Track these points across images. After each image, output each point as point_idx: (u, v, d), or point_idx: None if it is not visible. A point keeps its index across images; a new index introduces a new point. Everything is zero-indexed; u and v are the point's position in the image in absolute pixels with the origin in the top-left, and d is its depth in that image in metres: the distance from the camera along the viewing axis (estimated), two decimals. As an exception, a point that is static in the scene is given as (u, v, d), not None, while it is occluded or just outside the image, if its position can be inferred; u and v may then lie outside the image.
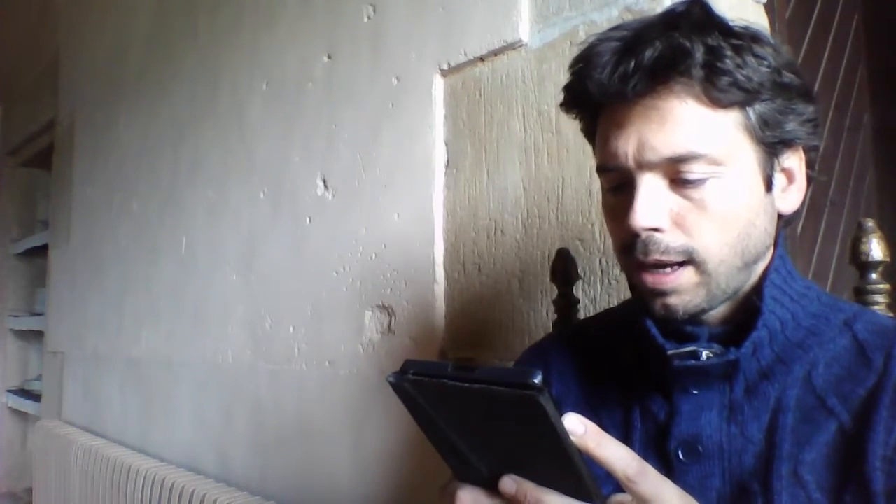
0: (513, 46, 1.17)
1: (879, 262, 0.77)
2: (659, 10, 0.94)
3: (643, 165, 0.58)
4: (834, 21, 1.78)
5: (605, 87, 0.58)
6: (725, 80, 0.55)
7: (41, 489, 2.66)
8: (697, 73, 0.55)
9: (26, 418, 3.66)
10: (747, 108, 0.57)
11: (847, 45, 1.87)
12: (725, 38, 0.56)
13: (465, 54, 1.25)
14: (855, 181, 1.83)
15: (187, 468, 1.95)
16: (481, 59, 1.23)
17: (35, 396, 3.43)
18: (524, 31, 1.16)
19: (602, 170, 0.63)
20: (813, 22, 1.61)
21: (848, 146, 1.80)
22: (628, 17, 0.99)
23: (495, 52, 1.20)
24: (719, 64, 0.55)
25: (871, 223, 0.79)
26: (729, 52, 0.55)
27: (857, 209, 1.80)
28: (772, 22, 1.12)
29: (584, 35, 1.05)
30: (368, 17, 1.48)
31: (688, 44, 0.55)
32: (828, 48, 1.72)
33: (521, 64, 1.16)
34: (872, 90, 2.01)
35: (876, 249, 0.77)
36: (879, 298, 0.77)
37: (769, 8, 1.10)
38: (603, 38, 0.60)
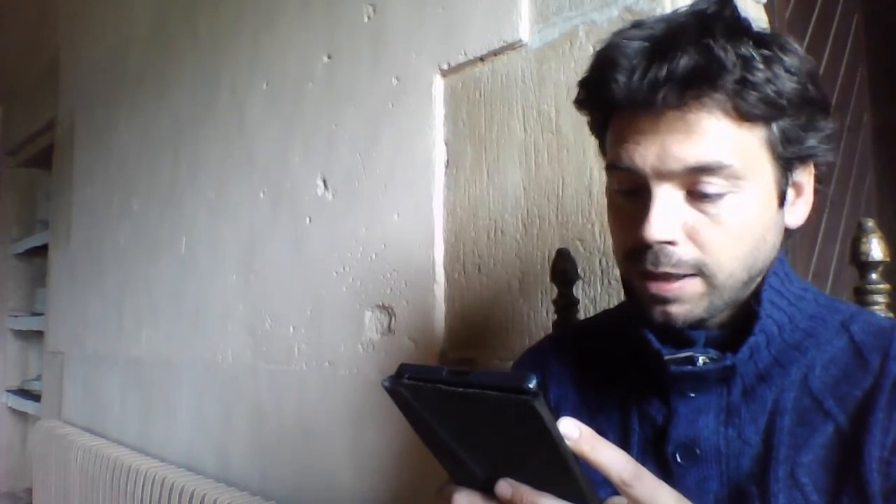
0: (513, 46, 1.17)
1: (879, 262, 0.77)
2: (659, 10, 0.94)
3: (662, 175, 0.56)
4: (834, 21, 1.78)
5: (633, 94, 0.55)
6: (755, 95, 0.54)
7: (41, 489, 2.66)
8: (730, 86, 0.54)
9: (26, 418, 3.66)
10: (772, 123, 0.56)
11: (847, 45, 1.87)
12: (756, 47, 0.54)
13: (465, 54, 1.25)
14: (855, 181, 1.83)
15: (187, 468, 1.95)
16: (481, 59, 1.23)
17: (35, 396, 3.43)
18: (524, 31, 1.15)
19: (614, 167, 0.60)
20: (813, 22, 1.61)
21: (848, 146, 1.80)
22: (628, 17, 0.99)
23: (495, 52, 1.20)
24: (751, 78, 0.53)
25: (871, 223, 0.78)
26: (760, 65, 0.54)
27: (857, 209, 1.80)
28: (772, 22, 1.11)
29: (583, 35, 1.05)
30: (368, 17, 1.48)
31: (723, 55, 0.53)
32: (828, 48, 1.72)
33: (521, 64, 1.16)
34: (872, 90, 2.01)
35: (876, 249, 0.77)
36: (879, 298, 0.77)
37: (769, 8, 1.10)
38: (627, 37, 0.57)
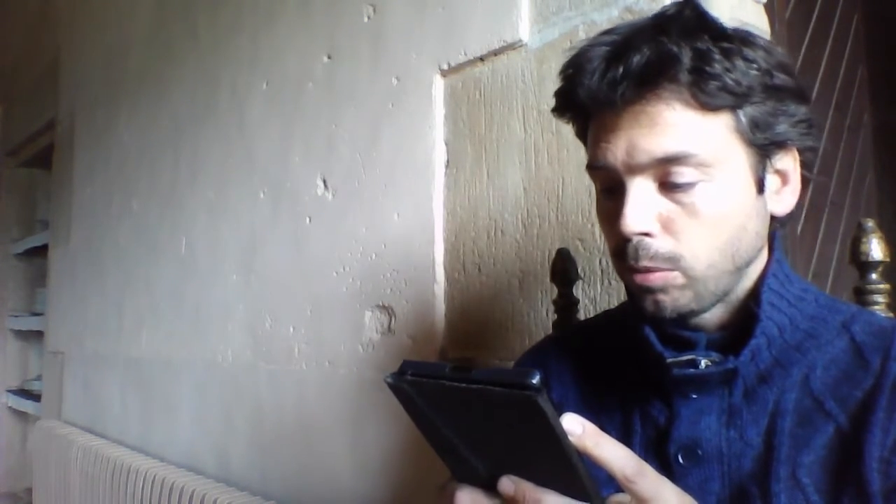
0: (513, 46, 1.17)
1: (879, 262, 0.77)
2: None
3: (633, 169, 0.58)
4: (834, 21, 1.78)
5: (595, 94, 0.58)
6: (714, 84, 0.55)
7: (41, 489, 2.65)
8: (685, 77, 0.55)
9: (26, 418, 3.66)
10: (737, 110, 0.57)
11: (847, 45, 1.87)
12: (715, 41, 0.56)
13: (465, 54, 1.25)
14: (855, 181, 1.83)
15: (187, 468, 1.95)
16: (481, 59, 1.23)
17: (35, 396, 3.43)
18: (524, 31, 1.16)
19: (592, 167, 0.63)
20: (813, 22, 1.61)
21: (848, 146, 1.80)
22: (628, 17, 0.99)
23: (495, 52, 1.20)
24: (707, 68, 0.55)
25: (871, 223, 0.79)
26: (717, 56, 0.55)
27: (857, 209, 1.80)
28: (772, 22, 1.11)
29: (584, 35, 1.05)
30: (368, 17, 1.48)
31: (675, 49, 0.55)
32: (828, 48, 1.72)
33: (521, 64, 1.16)
34: (872, 90, 2.01)
35: (876, 249, 0.77)
36: (879, 298, 0.77)
37: (769, 8, 1.10)
38: (593, 43, 0.60)
